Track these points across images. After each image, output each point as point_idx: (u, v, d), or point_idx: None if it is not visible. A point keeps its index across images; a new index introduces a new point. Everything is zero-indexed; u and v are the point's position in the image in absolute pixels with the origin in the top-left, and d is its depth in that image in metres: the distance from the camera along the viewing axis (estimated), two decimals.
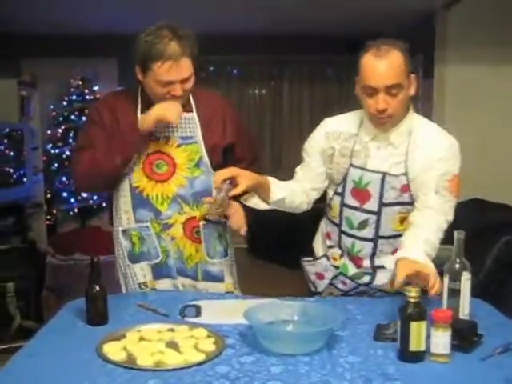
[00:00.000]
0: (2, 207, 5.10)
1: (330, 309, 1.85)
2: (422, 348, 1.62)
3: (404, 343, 1.62)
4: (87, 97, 6.53)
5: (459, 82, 5.11)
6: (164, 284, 2.26)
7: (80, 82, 6.54)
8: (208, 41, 5.40)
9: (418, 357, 1.62)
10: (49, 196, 6.54)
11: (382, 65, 1.93)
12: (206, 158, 2.22)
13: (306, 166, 2.23)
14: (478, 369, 1.59)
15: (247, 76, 7.24)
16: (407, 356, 1.62)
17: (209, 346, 1.68)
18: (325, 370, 1.57)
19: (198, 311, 1.97)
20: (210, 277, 2.29)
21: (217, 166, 2.20)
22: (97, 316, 1.87)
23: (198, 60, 2.12)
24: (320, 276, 2.29)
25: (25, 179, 5.57)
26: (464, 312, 1.81)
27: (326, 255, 2.27)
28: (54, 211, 6.67)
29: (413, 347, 1.61)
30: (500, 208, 4.11)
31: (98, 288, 1.86)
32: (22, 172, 5.53)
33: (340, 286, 2.25)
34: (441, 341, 1.61)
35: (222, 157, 2.27)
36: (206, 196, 2.18)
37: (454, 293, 1.81)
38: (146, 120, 2.09)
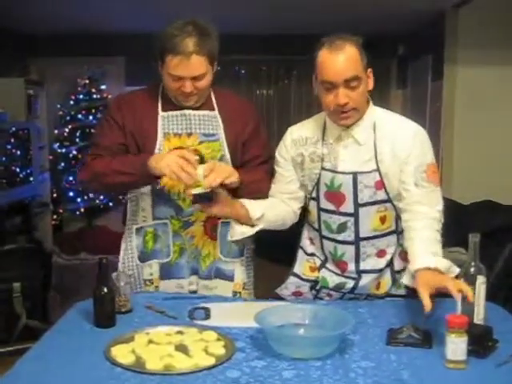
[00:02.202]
0: (9, 206, 5.09)
1: (342, 312, 1.82)
2: None
3: None
4: (94, 96, 6.51)
5: (469, 83, 5.07)
6: (168, 284, 2.23)
7: (87, 81, 6.52)
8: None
9: None
10: (55, 195, 6.54)
11: (339, 59, 1.93)
12: (227, 156, 2.19)
13: (279, 176, 2.22)
14: (493, 375, 1.55)
15: (255, 76, 7.22)
16: None
17: (219, 349, 1.66)
18: (337, 375, 1.54)
19: (207, 314, 1.94)
20: (221, 274, 2.27)
21: (235, 165, 2.18)
22: (105, 318, 1.85)
23: (217, 60, 2.12)
24: (298, 293, 2.26)
25: (31, 178, 5.56)
26: (479, 316, 1.78)
27: (293, 273, 2.26)
28: (61, 210, 6.67)
29: None
30: (510, 210, 4.07)
31: (105, 290, 1.84)
32: (28, 171, 5.53)
33: (326, 298, 2.22)
34: (458, 347, 1.57)
35: (241, 154, 2.25)
36: None
37: None
38: (157, 164, 2.00)
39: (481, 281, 1.77)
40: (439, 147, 5.41)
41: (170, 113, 2.17)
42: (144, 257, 2.25)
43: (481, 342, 1.66)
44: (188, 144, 2.16)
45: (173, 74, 2.05)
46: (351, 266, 2.14)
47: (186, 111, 2.17)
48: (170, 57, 2.03)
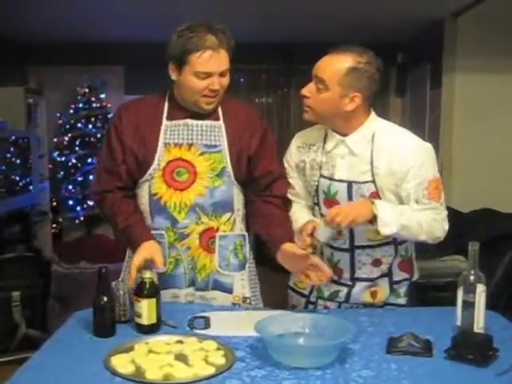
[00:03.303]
0: (8, 215, 5.09)
1: (342, 321, 1.81)
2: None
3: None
4: (94, 105, 6.54)
5: (467, 91, 5.09)
6: (163, 294, 2.15)
7: (87, 90, 6.55)
8: None
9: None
10: (55, 204, 6.54)
11: (326, 58, 2.03)
12: (229, 169, 2.15)
13: (292, 183, 2.25)
14: None
15: (254, 85, 7.23)
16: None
17: (218, 358, 1.65)
18: None
19: (206, 323, 1.94)
20: (220, 286, 2.23)
21: (240, 177, 2.18)
22: (104, 327, 1.84)
23: (232, 57, 2.12)
24: (293, 307, 2.28)
25: (31, 187, 5.57)
26: (479, 325, 1.77)
27: (288, 286, 2.30)
28: (60, 219, 6.67)
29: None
30: (510, 218, 4.07)
31: (105, 299, 1.83)
32: (28, 180, 5.53)
33: (325, 311, 2.22)
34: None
35: (247, 168, 2.20)
36: (225, 207, 2.17)
37: (469, 305, 1.77)
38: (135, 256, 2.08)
39: (480, 289, 1.76)
40: (438, 155, 5.41)
41: (175, 122, 2.15)
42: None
43: (481, 350, 1.66)
44: (187, 156, 2.14)
45: (203, 70, 2.03)
46: (346, 273, 2.16)
47: (189, 121, 2.14)
48: (197, 54, 2.01)
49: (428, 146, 2.10)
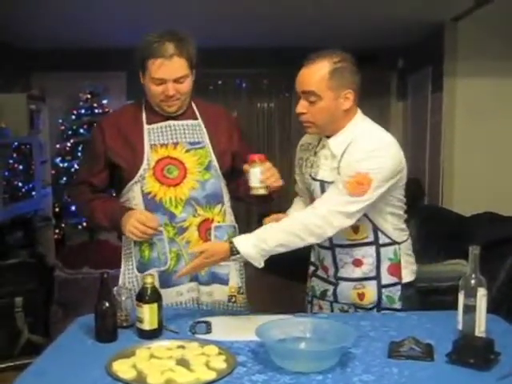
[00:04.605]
0: (11, 221, 5.09)
1: (343, 325, 1.81)
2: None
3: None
4: (96, 110, 6.55)
5: (469, 94, 5.10)
6: (168, 293, 2.22)
7: (89, 96, 6.57)
8: (217, 54, 5.43)
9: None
10: (57, 209, 6.54)
11: (303, 71, 2.06)
12: (215, 163, 2.28)
13: (296, 179, 2.35)
14: None
15: (256, 89, 7.25)
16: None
17: (220, 363, 1.65)
18: None
19: (208, 328, 1.94)
20: (217, 278, 2.29)
21: (226, 172, 2.32)
22: (106, 333, 1.85)
23: (195, 65, 2.21)
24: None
25: (34, 193, 5.58)
26: (480, 329, 1.77)
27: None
28: (63, 225, 6.67)
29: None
30: None
31: (107, 304, 1.84)
32: (30, 186, 5.54)
33: (319, 310, 2.27)
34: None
35: (231, 164, 2.34)
36: (216, 199, 2.28)
37: (470, 309, 1.77)
38: (123, 228, 2.19)
39: (481, 293, 1.76)
40: (440, 159, 5.42)
41: (155, 125, 2.26)
42: (142, 267, 2.25)
43: (482, 354, 1.65)
44: (174, 154, 2.23)
45: (155, 77, 2.14)
46: (331, 271, 2.21)
47: (171, 122, 2.26)
48: (151, 61, 2.13)
49: (390, 151, 2.04)
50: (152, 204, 2.22)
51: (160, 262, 2.24)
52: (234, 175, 2.34)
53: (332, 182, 2.06)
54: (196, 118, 2.30)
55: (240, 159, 2.28)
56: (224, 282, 2.30)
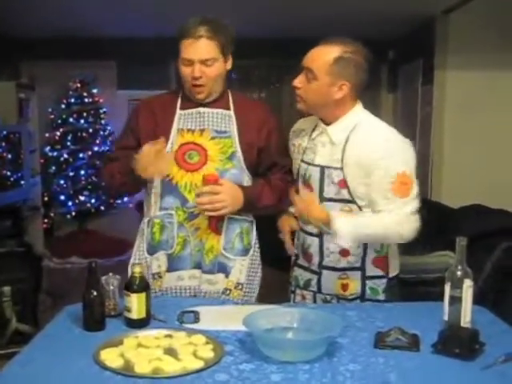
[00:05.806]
0: None
1: (330, 315, 1.82)
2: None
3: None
4: (86, 100, 6.52)
5: (459, 87, 5.11)
6: (171, 277, 2.26)
7: (79, 85, 6.53)
8: None
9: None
10: (46, 199, 6.52)
11: (313, 50, 2.11)
12: (239, 154, 2.26)
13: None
14: (479, 378, 1.56)
15: (246, 80, 7.23)
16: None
17: (207, 352, 1.66)
18: (325, 378, 1.55)
19: (196, 317, 1.95)
20: (222, 269, 2.29)
21: (250, 166, 2.29)
22: (94, 322, 1.85)
23: (230, 53, 2.23)
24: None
25: (22, 182, 5.55)
26: (465, 320, 1.79)
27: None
28: (52, 214, 6.66)
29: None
30: (499, 214, 4.09)
31: (95, 293, 1.84)
32: (19, 175, 5.51)
33: (302, 300, 2.29)
34: None
35: (257, 158, 2.31)
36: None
37: (455, 300, 1.79)
38: (135, 167, 2.15)
39: (467, 284, 1.78)
40: (429, 151, 5.43)
41: (187, 111, 2.27)
42: (151, 249, 2.29)
43: (467, 345, 1.67)
44: (199, 140, 2.24)
45: (184, 57, 2.16)
46: (315, 259, 2.21)
47: (201, 109, 2.27)
48: (183, 41, 2.15)
49: (405, 141, 2.11)
50: (168, 187, 2.24)
51: (167, 245, 2.26)
52: (259, 173, 2.35)
53: (330, 168, 2.09)
54: (228, 109, 2.30)
55: (264, 157, 2.31)
56: (227, 273, 2.29)
